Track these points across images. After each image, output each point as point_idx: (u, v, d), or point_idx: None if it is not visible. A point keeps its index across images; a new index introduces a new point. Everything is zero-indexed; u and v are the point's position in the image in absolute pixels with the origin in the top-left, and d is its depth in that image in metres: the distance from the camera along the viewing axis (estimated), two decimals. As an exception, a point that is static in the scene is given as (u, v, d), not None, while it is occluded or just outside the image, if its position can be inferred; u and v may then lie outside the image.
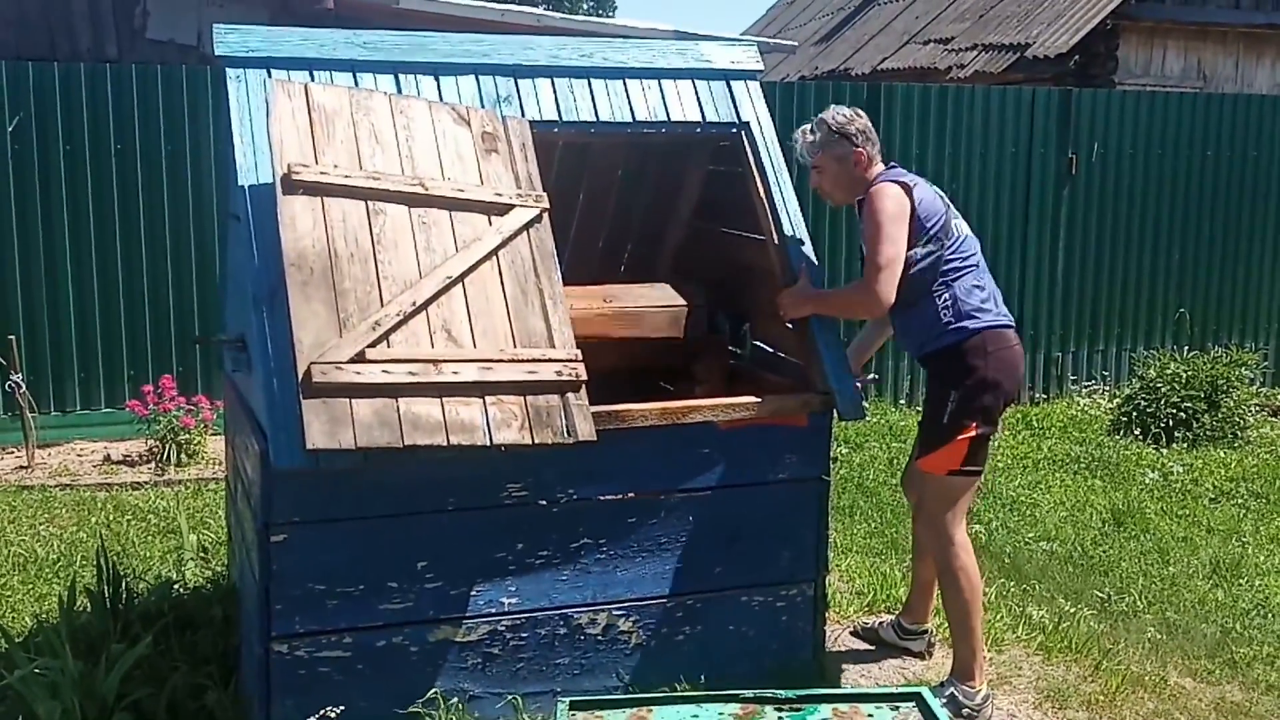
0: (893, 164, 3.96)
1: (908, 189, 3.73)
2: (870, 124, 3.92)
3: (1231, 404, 7.88)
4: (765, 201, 4.02)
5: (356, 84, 3.72)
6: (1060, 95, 8.87)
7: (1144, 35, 13.03)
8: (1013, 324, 3.87)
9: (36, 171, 7.06)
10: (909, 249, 3.71)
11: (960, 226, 3.82)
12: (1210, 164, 9.18)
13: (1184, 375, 7.92)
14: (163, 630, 3.91)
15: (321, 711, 3.37)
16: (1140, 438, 7.76)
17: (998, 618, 4.59)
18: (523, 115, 3.84)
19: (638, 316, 4.15)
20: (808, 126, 3.94)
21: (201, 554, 5.00)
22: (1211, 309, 9.34)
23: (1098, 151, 8.86)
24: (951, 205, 3.88)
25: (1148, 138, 9.00)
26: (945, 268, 3.75)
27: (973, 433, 3.74)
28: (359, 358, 3.09)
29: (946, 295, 3.76)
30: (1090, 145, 8.84)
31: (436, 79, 3.84)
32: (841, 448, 7.34)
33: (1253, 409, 8.14)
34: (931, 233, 3.73)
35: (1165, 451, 7.51)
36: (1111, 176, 8.94)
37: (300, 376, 3.04)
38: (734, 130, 4.11)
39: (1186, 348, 8.94)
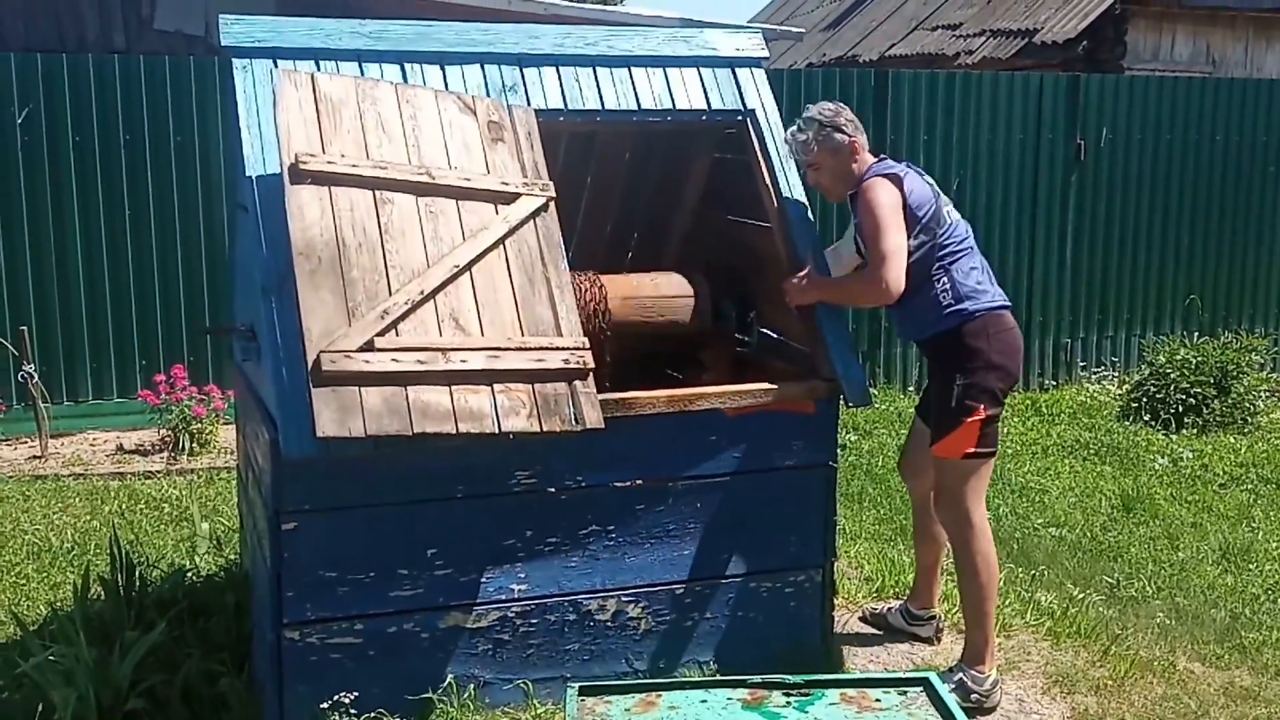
0: (882, 156, 4.00)
1: (897, 180, 3.76)
2: (854, 113, 3.97)
3: (1241, 389, 7.86)
4: (771, 188, 4.02)
5: (363, 73, 3.73)
6: (1068, 81, 8.83)
7: (1153, 20, 12.97)
8: (1009, 305, 3.90)
9: (46, 162, 7.09)
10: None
11: (951, 213, 3.86)
12: (1219, 149, 9.13)
13: (1193, 361, 7.90)
14: (176, 617, 3.94)
15: (335, 697, 3.40)
16: (1150, 423, 7.75)
17: (1006, 603, 4.60)
18: (528, 104, 3.84)
19: (668, 307, 4.15)
20: (795, 127, 3.95)
21: (214, 542, 5.03)
22: (1221, 294, 9.30)
23: (1106, 137, 8.82)
24: (941, 193, 3.92)
25: (1156, 123, 8.95)
26: (941, 253, 3.79)
27: (981, 415, 3.76)
28: (368, 346, 3.11)
29: (945, 279, 3.78)
30: (1099, 131, 8.80)
31: (442, 68, 3.85)
32: (850, 434, 7.35)
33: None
34: (924, 222, 3.76)
35: (1175, 437, 7.49)
36: (1120, 162, 8.90)
37: (309, 365, 3.05)
38: (739, 117, 4.11)
39: (1196, 333, 8.92)
